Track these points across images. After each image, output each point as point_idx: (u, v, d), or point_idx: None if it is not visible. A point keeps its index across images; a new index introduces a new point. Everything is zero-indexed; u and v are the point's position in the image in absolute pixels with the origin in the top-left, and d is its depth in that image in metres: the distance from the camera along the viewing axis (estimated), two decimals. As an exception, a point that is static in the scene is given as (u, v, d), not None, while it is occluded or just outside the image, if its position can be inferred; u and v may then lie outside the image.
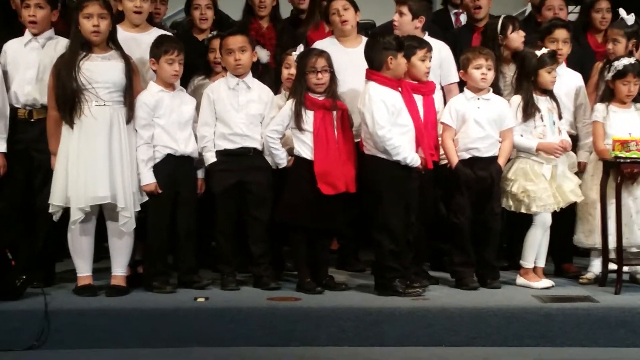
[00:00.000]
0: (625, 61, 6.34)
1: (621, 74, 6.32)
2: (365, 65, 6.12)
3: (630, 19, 6.69)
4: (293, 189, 6.11)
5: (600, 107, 6.41)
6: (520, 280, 6.28)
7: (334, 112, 6.11)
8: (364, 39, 6.53)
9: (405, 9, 6.52)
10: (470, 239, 6.27)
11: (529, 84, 6.32)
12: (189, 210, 6.13)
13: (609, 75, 6.38)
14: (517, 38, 6.68)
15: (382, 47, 6.03)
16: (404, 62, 6.02)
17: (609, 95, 6.41)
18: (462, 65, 6.32)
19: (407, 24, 6.53)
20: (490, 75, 6.25)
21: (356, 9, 6.65)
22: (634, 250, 6.29)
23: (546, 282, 6.20)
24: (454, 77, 6.58)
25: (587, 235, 6.39)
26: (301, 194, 6.07)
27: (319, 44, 6.55)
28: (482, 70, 6.23)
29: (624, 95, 6.35)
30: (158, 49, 6.04)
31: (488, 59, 6.23)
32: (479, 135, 6.21)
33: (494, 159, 6.25)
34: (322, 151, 6.03)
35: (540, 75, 6.30)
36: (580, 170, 6.48)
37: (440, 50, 6.58)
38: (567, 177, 6.32)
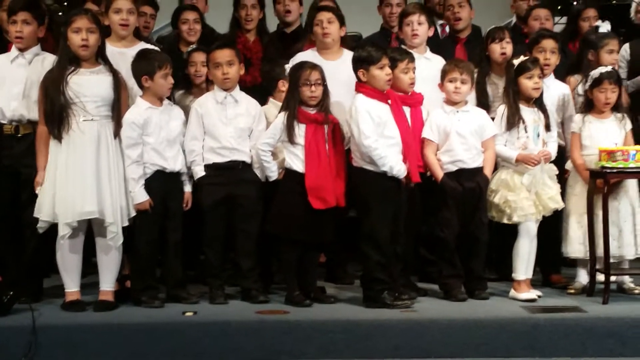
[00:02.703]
0: (602, 69, 6.38)
1: (597, 82, 6.35)
2: (344, 78, 6.18)
3: (606, 26, 6.76)
4: (284, 201, 6.11)
5: (577, 118, 6.44)
6: (511, 292, 6.28)
7: (326, 126, 6.11)
8: (346, 52, 6.56)
9: (423, 18, 6.60)
10: (458, 250, 6.28)
11: (512, 93, 6.34)
12: (177, 225, 6.13)
13: (586, 85, 6.42)
14: (496, 49, 6.71)
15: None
16: (381, 74, 6.01)
17: (588, 106, 6.44)
18: (440, 78, 6.35)
19: (425, 33, 6.61)
20: (465, 88, 6.27)
21: (342, 23, 6.65)
22: (616, 260, 6.29)
23: (530, 294, 6.19)
24: None
25: (566, 245, 6.41)
26: (292, 206, 6.07)
27: (300, 56, 6.57)
28: (455, 83, 6.26)
29: (602, 103, 6.37)
30: (151, 65, 6.00)
31: (463, 72, 6.25)
32: (463, 147, 6.24)
33: (479, 169, 6.28)
34: (313, 165, 6.03)
35: (521, 83, 6.32)
36: (565, 178, 6.49)
37: (438, 64, 6.60)
38: (546, 184, 6.33)
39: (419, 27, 6.58)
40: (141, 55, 6.08)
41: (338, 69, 6.34)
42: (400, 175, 5.99)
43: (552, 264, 6.70)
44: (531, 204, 6.25)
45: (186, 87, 6.70)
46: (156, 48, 6.43)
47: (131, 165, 5.97)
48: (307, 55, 6.58)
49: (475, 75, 6.47)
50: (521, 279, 6.25)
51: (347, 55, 6.50)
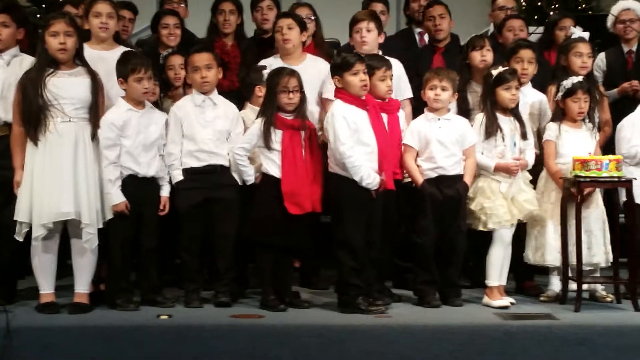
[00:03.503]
0: (574, 79, 6.45)
1: (571, 92, 6.41)
2: (307, 82, 6.24)
3: (585, 34, 6.84)
4: (261, 206, 6.13)
5: (552, 126, 6.48)
6: (484, 299, 6.32)
7: (302, 132, 6.14)
8: (309, 57, 6.62)
9: (372, 25, 6.59)
10: (435, 257, 6.32)
11: (490, 103, 6.40)
12: (151, 230, 6.12)
13: (558, 95, 6.47)
14: (476, 56, 6.76)
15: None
16: (354, 80, 6.04)
17: (560, 115, 6.49)
18: (422, 86, 6.40)
19: (375, 40, 6.60)
20: (445, 95, 6.30)
21: (302, 28, 6.70)
22: (588, 268, 6.35)
23: (503, 302, 6.23)
24: (407, 92, 6.66)
25: (534, 252, 6.46)
26: (268, 211, 6.09)
27: (263, 62, 6.63)
28: (435, 91, 6.29)
29: (575, 113, 6.43)
30: (125, 67, 6.02)
31: (443, 79, 6.28)
32: (443, 154, 6.27)
33: (460, 177, 6.31)
34: (290, 171, 6.06)
35: (498, 94, 6.38)
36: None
37: (395, 67, 6.63)
38: (522, 189, 6.38)
39: (368, 35, 6.58)
40: (121, 57, 6.10)
41: (301, 73, 6.34)
42: (371, 187, 6.00)
43: (525, 271, 6.73)
44: (506, 211, 6.29)
45: (165, 90, 6.71)
46: (136, 51, 6.46)
47: (108, 167, 5.97)
48: (269, 61, 6.64)
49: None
50: (494, 285, 6.30)
51: (310, 60, 6.61)
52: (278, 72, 6.16)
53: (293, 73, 6.14)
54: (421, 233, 6.27)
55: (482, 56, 6.75)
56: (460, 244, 6.32)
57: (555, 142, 6.44)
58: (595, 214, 6.39)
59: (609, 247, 6.39)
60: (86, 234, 5.88)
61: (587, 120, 6.51)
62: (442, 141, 6.28)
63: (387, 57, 6.55)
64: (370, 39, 6.59)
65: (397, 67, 6.68)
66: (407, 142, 6.33)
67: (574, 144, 6.41)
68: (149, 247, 6.12)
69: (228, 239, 6.18)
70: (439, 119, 6.32)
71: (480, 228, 6.34)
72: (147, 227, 6.11)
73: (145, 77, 6.03)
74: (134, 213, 6.05)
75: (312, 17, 7.21)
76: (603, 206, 6.44)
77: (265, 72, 6.29)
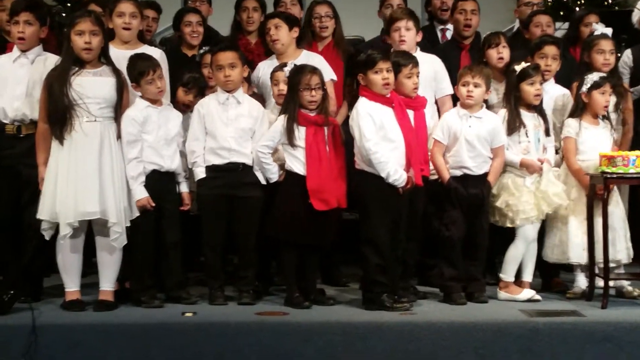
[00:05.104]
0: (601, 73, 6.42)
1: (598, 85, 6.35)
2: None
3: (608, 31, 6.79)
4: (284, 203, 6.12)
5: (572, 122, 6.43)
6: (502, 294, 6.30)
7: (326, 128, 6.13)
8: (304, 53, 6.66)
9: (411, 24, 6.57)
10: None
11: (513, 98, 6.37)
12: (173, 225, 6.14)
13: (583, 89, 6.42)
14: (493, 54, 6.72)
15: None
16: (376, 79, 6.01)
17: (580, 110, 6.44)
18: (456, 82, 6.38)
19: (414, 38, 6.57)
20: (478, 92, 6.26)
21: (292, 25, 6.69)
22: (611, 265, 6.29)
23: (529, 292, 6.23)
24: (447, 89, 6.63)
25: (552, 249, 6.42)
26: (293, 209, 6.08)
27: (262, 65, 6.70)
28: (468, 87, 6.26)
29: (601, 106, 6.38)
30: (134, 72, 6.06)
31: (475, 76, 6.26)
32: (470, 154, 6.25)
33: (485, 175, 6.29)
34: (314, 167, 6.05)
35: (523, 89, 6.35)
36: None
37: (434, 63, 6.65)
38: (551, 182, 6.35)
39: (407, 33, 6.55)
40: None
41: None
42: (398, 184, 5.98)
43: (551, 268, 6.69)
44: (532, 207, 6.26)
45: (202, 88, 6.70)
46: (157, 50, 6.49)
47: (131, 163, 6.00)
48: (266, 64, 6.68)
49: None
50: (508, 280, 6.30)
51: (305, 56, 6.62)
52: (300, 70, 6.14)
53: (315, 70, 6.13)
54: (450, 225, 6.24)
55: (499, 53, 6.71)
56: (483, 242, 6.30)
57: (575, 138, 6.40)
58: (617, 211, 6.35)
59: (630, 243, 6.34)
60: (114, 232, 5.89)
61: (605, 118, 6.45)
62: (470, 141, 6.25)
63: (425, 54, 6.55)
64: (409, 37, 6.56)
65: (437, 62, 6.67)
66: (437, 137, 6.31)
67: (594, 140, 6.36)
68: (172, 240, 6.13)
69: (249, 238, 6.19)
70: (470, 117, 6.29)
71: (508, 225, 6.32)
72: (168, 221, 6.12)
73: (156, 76, 6.05)
74: (155, 207, 6.06)
75: (331, 15, 7.18)
76: (623, 203, 6.38)
77: (287, 69, 6.26)
